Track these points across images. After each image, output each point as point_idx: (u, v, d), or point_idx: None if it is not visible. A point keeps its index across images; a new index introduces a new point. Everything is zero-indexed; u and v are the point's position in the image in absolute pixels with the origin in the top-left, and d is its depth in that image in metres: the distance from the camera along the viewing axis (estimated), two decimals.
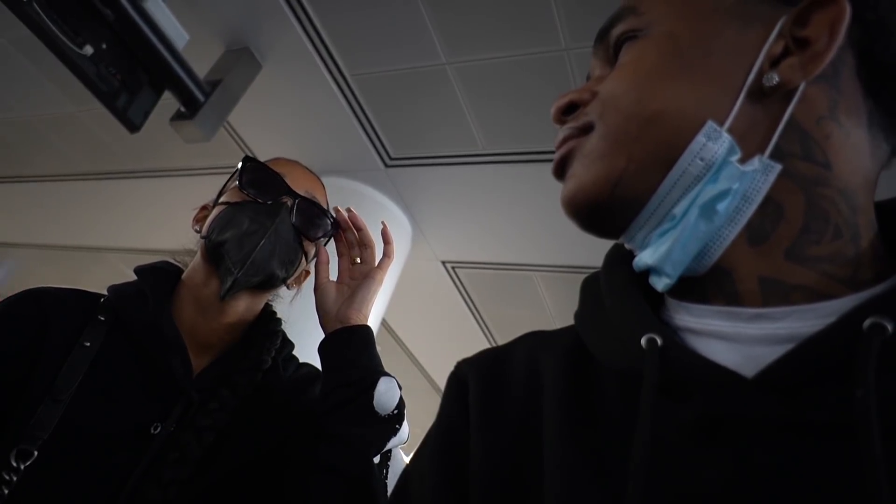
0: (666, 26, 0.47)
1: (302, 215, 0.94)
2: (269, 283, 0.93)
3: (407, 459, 0.97)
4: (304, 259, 0.97)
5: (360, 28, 2.26)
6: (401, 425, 0.86)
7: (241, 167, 0.94)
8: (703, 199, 0.42)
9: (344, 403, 0.83)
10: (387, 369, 0.89)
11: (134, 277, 0.95)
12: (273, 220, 0.90)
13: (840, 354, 0.35)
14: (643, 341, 0.42)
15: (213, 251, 0.90)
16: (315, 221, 0.97)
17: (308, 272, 1.04)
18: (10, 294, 0.89)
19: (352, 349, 0.89)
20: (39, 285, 0.91)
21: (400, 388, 0.88)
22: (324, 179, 1.08)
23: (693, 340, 0.43)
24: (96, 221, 4.21)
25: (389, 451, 0.88)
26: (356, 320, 0.92)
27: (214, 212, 0.95)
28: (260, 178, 0.94)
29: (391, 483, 0.85)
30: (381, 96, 2.56)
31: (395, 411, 0.85)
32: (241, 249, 0.87)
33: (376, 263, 0.98)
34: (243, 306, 0.93)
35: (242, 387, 0.88)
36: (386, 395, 0.84)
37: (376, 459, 0.84)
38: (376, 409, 0.83)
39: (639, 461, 0.38)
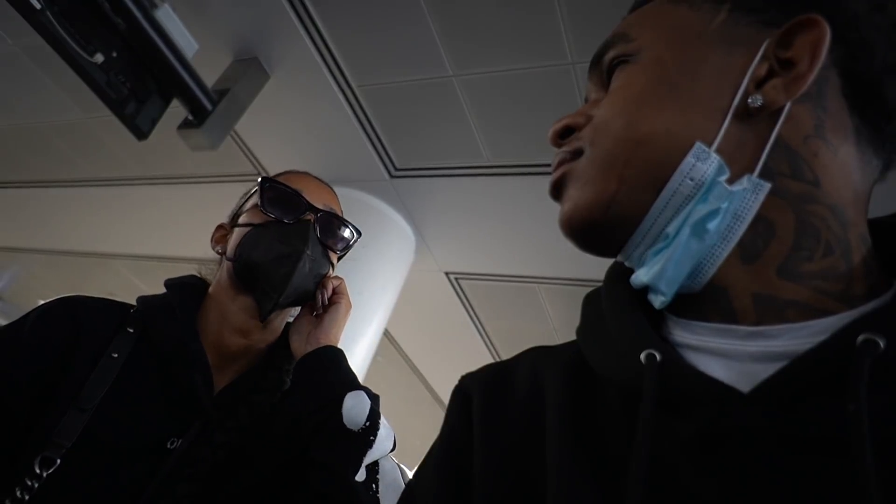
0: (654, 52, 0.48)
1: (325, 229, 0.97)
2: (304, 299, 0.96)
3: (398, 467, 0.97)
4: (331, 270, 0.99)
5: (367, 40, 2.29)
6: (375, 436, 0.85)
7: (261, 188, 0.96)
8: (694, 219, 0.43)
9: (317, 428, 0.83)
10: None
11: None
12: (305, 241, 0.91)
13: (833, 370, 0.36)
14: (642, 357, 0.43)
15: (246, 274, 0.92)
16: (337, 233, 1.00)
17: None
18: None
19: (317, 372, 0.89)
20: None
21: (373, 397, 0.88)
22: None
23: (691, 357, 0.44)
24: (102, 228, 4.23)
25: (377, 462, 0.87)
26: (324, 343, 0.93)
27: (237, 233, 0.96)
28: (280, 198, 0.95)
29: (385, 495, 0.85)
30: (388, 107, 2.58)
31: (367, 423, 0.84)
32: (278, 273, 0.89)
33: (345, 299, 0.99)
34: (274, 324, 0.96)
35: (260, 407, 0.89)
36: (354, 410, 0.84)
37: (362, 476, 0.83)
38: (347, 426, 0.83)
39: (636, 475, 0.38)
